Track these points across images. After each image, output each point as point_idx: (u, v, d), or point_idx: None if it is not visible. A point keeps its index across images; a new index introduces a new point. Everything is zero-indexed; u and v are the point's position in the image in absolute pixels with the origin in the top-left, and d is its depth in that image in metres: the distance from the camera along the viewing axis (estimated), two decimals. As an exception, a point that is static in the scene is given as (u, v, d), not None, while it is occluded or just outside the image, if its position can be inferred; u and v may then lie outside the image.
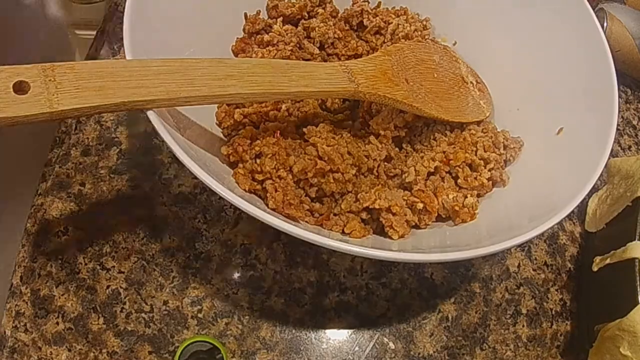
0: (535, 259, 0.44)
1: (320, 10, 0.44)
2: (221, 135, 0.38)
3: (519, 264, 0.43)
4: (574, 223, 0.46)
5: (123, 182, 0.40)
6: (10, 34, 0.48)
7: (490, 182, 0.38)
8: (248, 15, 0.43)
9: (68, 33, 0.56)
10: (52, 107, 0.24)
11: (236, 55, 0.42)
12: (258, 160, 0.34)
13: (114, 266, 0.37)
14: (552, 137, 0.38)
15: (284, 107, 0.39)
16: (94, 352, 0.35)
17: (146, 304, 0.37)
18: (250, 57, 0.41)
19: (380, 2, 0.47)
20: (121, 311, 0.36)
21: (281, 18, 0.42)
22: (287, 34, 0.41)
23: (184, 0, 0.37)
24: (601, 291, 0.40)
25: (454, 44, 0.46)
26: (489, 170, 0.38)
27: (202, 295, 0.37)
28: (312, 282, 0.39)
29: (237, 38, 0.42)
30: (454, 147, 0.38)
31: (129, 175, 0.40)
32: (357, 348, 0.38)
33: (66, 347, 0.34)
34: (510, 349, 0.40)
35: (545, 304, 0.42)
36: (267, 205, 0.33)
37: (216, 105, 0.38)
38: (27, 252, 0.37)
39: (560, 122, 0.38)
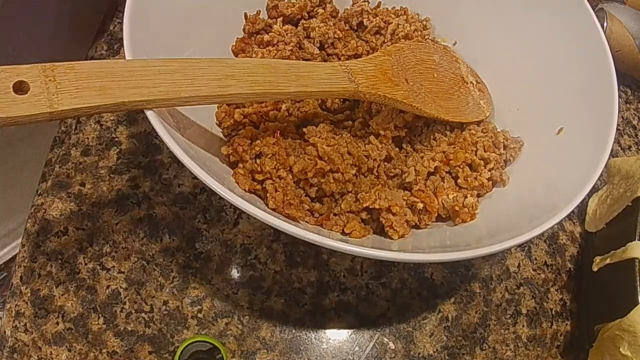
0: (535, 259, 0.44)
1: (320, 10, 0.44)
2: (221, 135, 0.38)
3: (519, 264, 0.43)
4: (574, 223, 0.46)
5: (123, 182, 0.40)
6: None
7: (490, 182, 0.38)
8: (248, 15, 0.43)
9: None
10: (52, 107, 0.24)
11: (236, 55, 0.42)
12: (258, 160, 0.34)
13: (114, 266, 0.37)
14: (552, 137, 0.38)
15: (284, 107, 0.39)
16: (94, 352, 0.35)
17: (146, 304, 0.37)
18: (250, 57, 0.41)
19: (380, 2, 0.47)
20: (121, 311, 0.36)
21: (281, 18, 0.42)
22: (287, 34, 0.41)
23: (184, 0, 0.37)
24: (601, 291, 0.40)
25: (454, 44, 0.46)
26: (489, 170, 0.38)
27: (202, 295, 0.37)
28: (312, 282, 0.39)
29: (237, 38, 0.42)
30: (454, 147, 0.38)
31: (129, 175, 0.40)
32: (357, 348, 0.38)
33: (66, 347, 0.34)
34: (510, 349, 0.40)
35: (545, 304, 0.42)
36: (267, 205, 0.33)
37: (216, 105, 0.38)
38: (27, 252, 0.37)
39: (560, 122, 0.38)
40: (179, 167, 0.41)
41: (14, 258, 0.38)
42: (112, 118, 0.42)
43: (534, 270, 0.43)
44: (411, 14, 0.46)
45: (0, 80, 0.23)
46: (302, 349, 0.37)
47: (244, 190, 0.33)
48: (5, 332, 0.34)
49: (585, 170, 0.32)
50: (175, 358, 0.33)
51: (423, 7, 0.47)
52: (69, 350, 0.34)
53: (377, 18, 0.44)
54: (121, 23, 0.31)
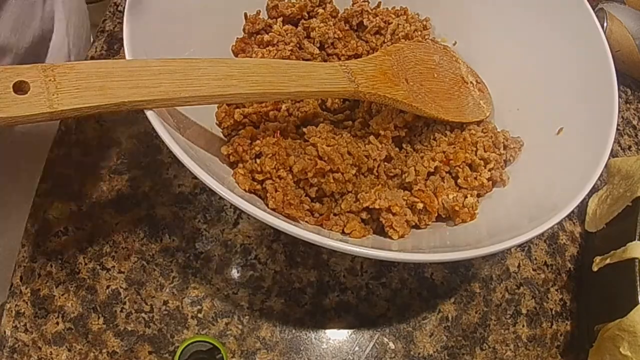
0: (535, 259, 0.44)
1: (320, 10, 0.44)
2: (221, 135, 0.38)
3: (519, 264, 0.43)
4: (574, 223, 0.46)
5: (123, 182, 0.40)
6: None
7: (490, 182, 0.38)
8: (248, 15, 0.43)
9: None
10: (52, 107, 0.24)
11: (236, 55, 0.42)
12: (258, 160, 0.34)
13: (114, 266, 0.37)
14: (552, 137, 0.38)
15: (284, 107, 0.39)
16: (94, 352, 0.35)
17: (146, 304, 0.37)
18: (250, 57, 0.41)
19: (380, 2, 0.46)
20: (121, 311, 0.36)
21: (281, 18, 0.42)
22: (287, 34, 0.41)
23: (184, 0, 0.37)
24: (601, 291, 0.40)
25: (454, 44, 0.46)
26: (489, 170, 0.38)
27: (202, 295, 0.37)
28: (312, 282, 0.39)
29: (237, 38, 0.42)
30: (454, 147, 0.38)
31: (129, 175, 0.40)
32: (357, 348, 0.38)
33: (66, 347, 0.34)
34: (510, 349, 0.40)
35: (545, 304, 0.42)
36: (267, 205, 0.33)
37: (216, 105, 0.38)
38: (27, 252, 0.37)
39: (560, 122, 0.38)
40: (179, 167, 0.41)
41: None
42: (112, 118, 0.42)
43: (534, 270, 0.43)
44: (411, 14, 0.46)
45: (0, 80, 0.23)
46: (302, 349, 0.37)
47: (244, 190, 0.33)
48: (5, 332, 0.34)
49: (585, 170, 0.32)
50: (175, 358, 0.33)
51: (423, 7, 0.47)
52: (69, 350, 0.34)
53: (377, 18, 0.44)
54: (121, 23, 0.31)
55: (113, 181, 0.40)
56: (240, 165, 0.34)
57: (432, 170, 0.37)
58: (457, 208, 0.35)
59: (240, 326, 0.37)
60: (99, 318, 0.36)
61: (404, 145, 0.40)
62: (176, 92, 0.28)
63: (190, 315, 0.37)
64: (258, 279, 0.38)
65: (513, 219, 0.34)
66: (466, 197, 0.36)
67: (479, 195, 0.38)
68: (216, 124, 0.38)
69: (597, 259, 0.41)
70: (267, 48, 0.41)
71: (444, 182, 0.37)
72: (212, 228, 0.39)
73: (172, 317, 0.36)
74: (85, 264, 0.37)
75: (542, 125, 0.39)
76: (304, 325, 0.38)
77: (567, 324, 0.42)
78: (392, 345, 0.38)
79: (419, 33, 0.45)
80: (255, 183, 0.34)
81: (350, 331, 0.38)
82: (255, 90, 0.30)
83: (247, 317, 0.37)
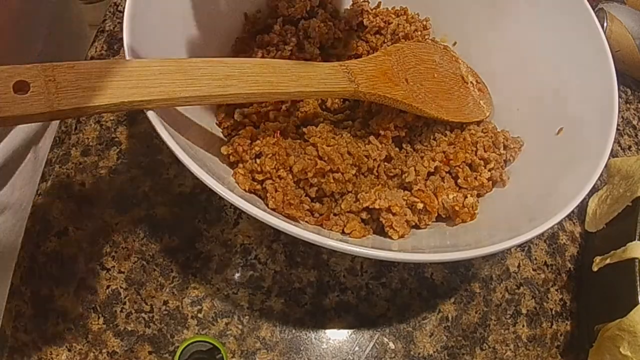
0: (535, 259, 0.44)
1: (320, 11, 0.44)
2: (221, 135, 0.38)
3: (519, 264, 0.43)
4: (574, 223, 0.46)
5: (123, 182, 0.40)
6: None
7: (490, 182, 0.38)
8: (248, 15, 0.43)
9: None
10: (52, 107, 0.24)
11: (236, 55, 0.42)
12: (258, 160, 0.34)
13: (114, 266, 0.37)
14: (552, 137, 0.38)
15: (284, 107, 0.39)
16: (94, 352, 0.35)
17: (146, 304, 0.37)
18: (250, 57, 0.41)
19: (380, 2, 0.46)
20: (121, 311, 0.36)
21: (281, 18, 0.42)
22: (287, 34, 0.41)
23: (183, 0, 0.37)
24: (601, 291, 0.40)
25: (454, 44, 0.46)
26: (489, 170, 0.38)
27: (202, 295, 0.37)
28: (312, 282, 0.39)
29: (237, 38, 0.42)
30: (454, 147, 0.38)
31: (129, 175, 0.40)
32: (357, 348, 0.38)
33: (66, 347, 0.34)
34: (510, 349, 0.40)
35: (545, 304, 0.42)
36: (267, 205, 0.33)
37: (216, 105, 0.38)
38: (27, 252, 0.37)
39: (560, 122, 0.38)
40: (179, 167, 0.41)
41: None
42: (112, 118, 0.42)
43: (534, 270, 0.43)
44: (411, 14, 0.46)
45: (0, 80, 0.23)
46: (302, 349, 0.37)
47: (244, 190, 0.33)
48: (5, 332, 0.34)
49: (585, 170, 0.32)
50: (175, 358, 0.33)
51: (423, 7, 0.47)
52: (69, 350, 0.34)
53: (377, 18, 0.44)
54: (121, 23, 0.31)
55: (113, 181, 0.40)
56: (240, 165, 0.34)
57: (432, 170, 0.37)
58: (457, 208, 0.35)
59: (240, 326, 0.37)
60: (99, 318, 0.36)
61: (404, 145, 0.40)
62: (176, 92, 0.28)
63: (190, 315, 0.37)
64: (258, 279, 0.38)
65: (513, 219, 0.34)
66: (466, 197, 0.36)
67: (479, 195, 0.38)
68: (216, 124, 0.38)
69: (597, 259, 0.41)
70: (267, 48, 0.41)
71: (444, 182, 0.37)
72: (212, 228, 0.39)
73: (172, 317, 0.36)
74: (85, 264, 0.37)
75: (542, 125, 0.39)
76: (304, 325, 0.38)
77: (567, 324, 0.42)
78: (392, 345, 0.38)
79: (419, 33, 0.45)
80: (255, 183, 0.34)
81: (350, 331, 0.38)
82: (255, 90, 0.30)
83: (247, 317, 0.37)
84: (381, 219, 0.34)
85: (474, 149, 0.38)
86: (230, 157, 0.35)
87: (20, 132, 0.40)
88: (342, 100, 0.41)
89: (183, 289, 0.37)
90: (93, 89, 0.26)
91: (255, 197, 0.34)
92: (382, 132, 0.38)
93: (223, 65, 0.30)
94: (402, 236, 0.34)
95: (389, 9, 0.46)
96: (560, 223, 0.44)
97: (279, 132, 0.36)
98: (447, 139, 0.39)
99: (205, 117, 0.37)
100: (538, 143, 0.39)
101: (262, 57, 0.40)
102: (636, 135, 0.54)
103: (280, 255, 0.39)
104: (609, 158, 0.33)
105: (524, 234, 0.29)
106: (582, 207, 0.46)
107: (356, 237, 0.33)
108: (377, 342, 0.38)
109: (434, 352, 0.39)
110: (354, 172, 0.35)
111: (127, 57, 0.30)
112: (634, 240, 0.38)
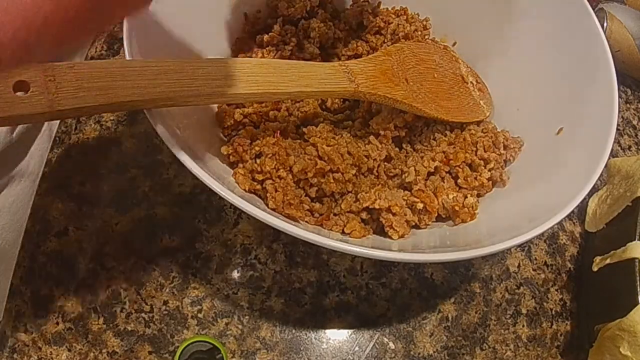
0: (535, 259, 0.44)
1: (320, 11, 0.44)
2: (221, 135, 0.38)
3: (519, 264, 0.43)
4: (574, 223, 0.46)
5: (123, 182, 0.40)
6: None
7: (490, 182, 0.38)
8: (248, 15, 0.43)
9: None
10: (52, 107, 0.24)
11: (236, 55, 0.42)
12: (258, 160, 0.34)
13: (114, 266, 0.37)
14: (552, 137, 0.38)
15: (284, 107, 0.39)
16: (94, 352, 0.35)
17: (146, 304, 0.37)
18: (250, 57, 0.41)
19: (380, 2, 0.47)
20: (121, 311, 0.36)
21: (281, 18, 0.42)
22: (287, 34, 0.41)
23: (183, 0, 0.37)
24: (601, 291, 0.40)
25: (454, 44, 0.46)
26: (489, 170, 0.38)
27: (202, 295, 0.37)
28: (312, 282, 0.39)
29: (237, 38, 0.42)
30: (454, 147, 0.38)
31: (129, 175, 0.40)
32: (357, 348, 0.38)
33: (66, 347, 0.34)
34: (510, 349, 0.40)
35: (545, 304, 0.42)
36: (267, 205, 0.33)
37: (216, 105, 0.38)
38: (27, 252, 0.37)
39: (560, 122, 0.38)
40: (179, 167, 0.41)
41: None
42: (112, 118, 0.42)
43: (534, 270, 0.43)
44: (411, 14, 0.46)
45: (0, 80, 0.23)
46: (302, 349, 0.37)
47: (244, 190, 0.33)
48: (5, 332, 0.34)
49: (585, 170, 0.32)
50: (175, 358, 0.33)
51: (423, 7, 0.47)
52: (69, 350, 0.34)
53: (377, 18, 0.44)
54: (121, 23, 0.31)
55: (113, 181, 0.40)
56: (240, 165, 0.34)
57: (432, 170, 0.37)
58: (457, 208, 0.35)
59: (240, 326, 0.37)
60: (99, 318, 0.36)
61: (404, 145, 0.40)
62: (176, 92, 0.28)
63: (190, 315, 0.37)
64: (258, 279, 0.38)
65: (513, 219, 0.34)
66: (466, 197, 0.36)
67: (479, 195, 0.38)
68: (216, 124, 0.38)
69: (597, 259, 0.41)
70: (267, 48, 0.41)
71: (444, 182, 0.37)
72: (212, 228, 0.39)
73: (172, 317, 0.36)
74: (85, 264, 0.37)
75: (542, 125, 0.39)
76: (304, 325, 0.38)
77: (567, 324, 0.42)
78: (392, 345, 0.38)
79: (419, 33, 0.45)
80: (255, 183, 0.34)
81: (350, 331, 0.38)
82: (255, 90, 0.30)
83: (247, 317, 0.37)
84: (381, 219, 0.34)
85: (474, 149, 0.38)
86: (230, 157, 0.35)
87: None
88: (342, 100, 0.41)
89: (183, 289, 0.37)
90: (93, 89, 0.26)
91: (255, 197, 0.34)
92: (382, 132, 0.38)
93: (223, 65, 0.30)
94: (402, 236, 0.34)
95: (389, 9, 0.46)
96: (560, 223, 0.44)
97: (279, 132, 0.36)
98: (447, 139, 0.39)
99: (205, 117, 0.37)
100: (538, 143, 0.39)
101: (262, 57, 0.40)
102: (636, 135, 0.54)
103: (280, 255, 0.39)
104: (609, 158, 0.33)
105: (524, 234, 0.29)
106: (582, 207, 0.46)
107: (356, 237, 0.33)
108: (377, 342, 0.38)
109: (434, 352, 0.39)
110: (354, 172, 0.35)
111: (127, 57, 0.30)
112: (634, 240, 0.38)
